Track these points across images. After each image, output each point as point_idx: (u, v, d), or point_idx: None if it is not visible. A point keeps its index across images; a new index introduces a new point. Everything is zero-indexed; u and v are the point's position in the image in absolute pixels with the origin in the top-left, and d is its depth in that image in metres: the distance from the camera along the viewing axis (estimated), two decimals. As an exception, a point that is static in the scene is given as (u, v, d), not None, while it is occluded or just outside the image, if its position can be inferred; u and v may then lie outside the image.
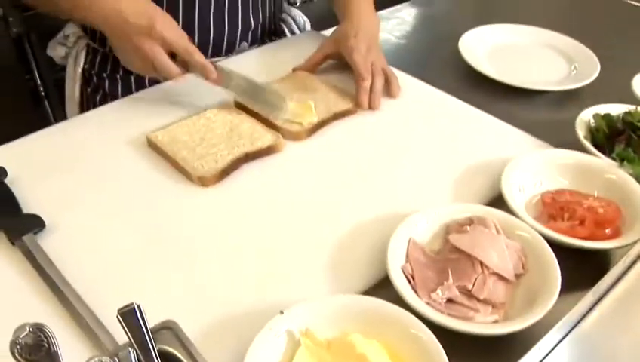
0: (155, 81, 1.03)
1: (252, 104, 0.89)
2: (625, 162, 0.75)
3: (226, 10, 1.02)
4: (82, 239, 0.69)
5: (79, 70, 1.07)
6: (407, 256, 0.65)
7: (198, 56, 0.85)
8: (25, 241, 0.67)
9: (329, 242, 0.70)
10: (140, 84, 1.04)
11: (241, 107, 0.90)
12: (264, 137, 0.83)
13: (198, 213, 0.73)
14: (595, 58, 1.05)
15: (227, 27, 1.04)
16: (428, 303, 0.60)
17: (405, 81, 0.98)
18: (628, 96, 0.94)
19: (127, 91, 1.05)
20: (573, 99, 1.01)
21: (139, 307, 0.46)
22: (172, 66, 0.84)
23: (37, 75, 1.33)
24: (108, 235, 0.70)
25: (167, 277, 0.65)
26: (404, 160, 0.83)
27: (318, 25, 1.23)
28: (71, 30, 1.06)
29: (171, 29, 0.84)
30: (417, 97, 0.97)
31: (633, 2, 1.36)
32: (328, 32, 1.21)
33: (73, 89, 1.09)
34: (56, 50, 1.08)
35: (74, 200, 0.74)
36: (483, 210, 0.70)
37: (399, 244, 0.65)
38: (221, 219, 0.73)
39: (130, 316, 0.46)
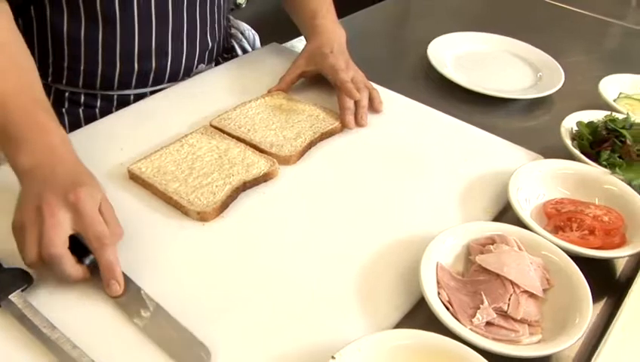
0: (121, 103, 0.95)
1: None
2: (617, 168, 0.77)
3: (185, 33, 0.95)
4: (79, 291, 0.61)
5: None
6: (438, 282, 0.64)
7: (110, 254, 0.59)
8: (13, 301, 0.58)
9: (350, 273, 0.66)
10: (90, 118, 0.94)
11: (219, 129, 0.85)
12: (258, 163, 0.78)
13: (203, 252, 0.68)
14: (559, 66, 1.08)
15: (185, 51, 0.96)
16: (472, 329, 0.59)
17: (381, 93, 0.96)
18: (592, 102, 0.98)
19: (74, 126, 0.95)
20: (539, 106, 1.04)
21: None
22: (67, 257, 0.58)
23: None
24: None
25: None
26: (403, 178, 0.81)
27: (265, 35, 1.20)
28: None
29: (94, 205, 0.59)
30: (396, 110, 0.96)
31: (587, 12, 1.43)
32: (288, 44, 1.19)
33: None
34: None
35: (59, 247, 0.66)
36: (501, 228, 0.69)
37: (428, 271, 0.64)
38: (228, 257, 0.67)
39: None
